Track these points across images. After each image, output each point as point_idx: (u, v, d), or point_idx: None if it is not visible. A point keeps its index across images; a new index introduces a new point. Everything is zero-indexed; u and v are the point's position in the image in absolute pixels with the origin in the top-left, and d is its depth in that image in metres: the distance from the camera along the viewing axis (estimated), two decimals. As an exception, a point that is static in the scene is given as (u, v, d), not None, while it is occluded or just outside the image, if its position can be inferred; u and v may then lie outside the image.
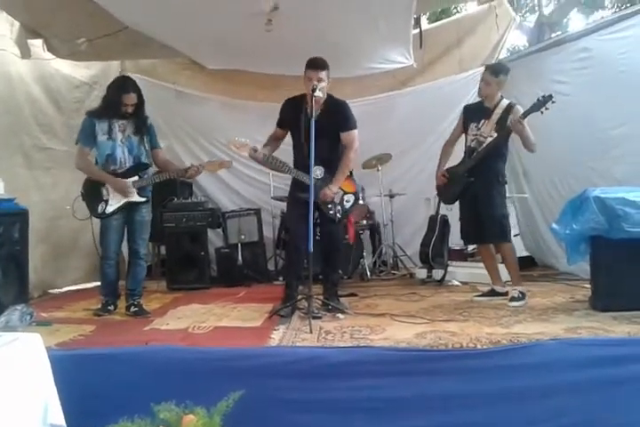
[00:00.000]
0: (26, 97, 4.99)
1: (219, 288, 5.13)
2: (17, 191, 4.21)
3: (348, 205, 3.90)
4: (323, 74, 3.65)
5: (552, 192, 5.18)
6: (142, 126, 3.90)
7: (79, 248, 5.34)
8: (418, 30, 5.42)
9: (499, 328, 3.10)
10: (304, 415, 2.50)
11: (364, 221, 5.75)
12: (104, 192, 3.83)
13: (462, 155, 4.14)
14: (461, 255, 5.54)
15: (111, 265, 3.91)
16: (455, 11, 10.43)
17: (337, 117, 3.76)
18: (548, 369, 2.51)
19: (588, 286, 3.83)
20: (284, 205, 5.01)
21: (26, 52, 4.65)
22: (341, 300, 4.02)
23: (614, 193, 3.40)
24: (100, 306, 3.94)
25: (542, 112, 3.72)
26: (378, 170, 5.66)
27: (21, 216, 4.01)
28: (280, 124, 3.91)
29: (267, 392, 2.49)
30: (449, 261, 5.10)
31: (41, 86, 5.18)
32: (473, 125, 4.04)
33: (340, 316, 3.57)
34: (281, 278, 5.20)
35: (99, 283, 4.15)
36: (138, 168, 3.89)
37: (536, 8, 12.00)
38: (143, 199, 3.89)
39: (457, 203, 4.19)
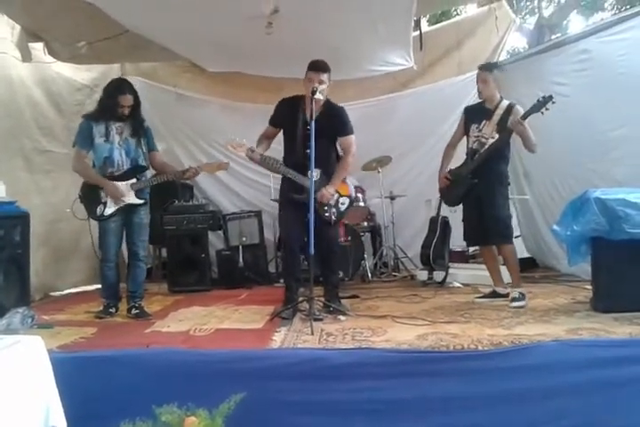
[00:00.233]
0: (27, 100, 5.00)
1: (220, 290, 5.14)
2: (18, 194, 4.22)
3: (343, 208, 3.90)
4: (324, 76, 3.68)
5: (553, 193, 5.18)
6: (139, 128, 3.92)
7: (80, 251, 5.34)
8: (418, 32, 5.43)
9: (500, 330, 3.10)
10: (305, 417, 2.50)
11: (365, 223, 5.76)
12: (102, 194, 3.83)
13: (464, 156, 4.15)
14: (462, 257, 5.55)
15: (111, 267, 3.92)
16: (455, 13, 10.44)
17: (334, 121, 3.78)
18: (550, 370, 2.51)
19: (590, 287, 3.83)
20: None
21: (27, 56, 4.67)
22: (342, 302, 4.03)
23: (615, 194, 3.40)
24: (101, 308, 3.94)
25: (542, 113, 3.72)
26: (378, 172, 5.67)
27: (22, 219, 4.01)
28: (274, 122, 3.90)
29: (268, 394, 2.49)
30: (450, 263, 5.10)
31: (42, 89, 5.19)
32: (474, 127, 4.04)
33: (342, 318, 3.57)
34: (282, 281, 5.20)
35: (99, 285, 4.15)
36: (135, 170, 3.90)
37: (536, 10, 12.02)
38: (141, 201, 3.90)
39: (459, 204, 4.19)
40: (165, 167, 4.06)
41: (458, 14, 10.07)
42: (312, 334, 3.10)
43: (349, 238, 5.31)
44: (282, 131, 3.91)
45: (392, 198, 5.75)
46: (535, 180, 5.55)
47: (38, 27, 4.56)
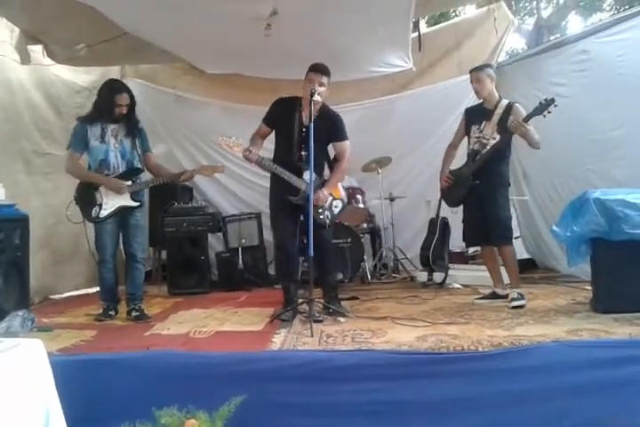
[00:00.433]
0: (26, 103, 5.01)
1: (219, 293, 5.13)
2: (17, 197, 4.21)
3: (336, 211, 3.90)
4: (325, 79, 3.69)
5: (552, 194, 5.18)
6: (134, 129, 3.92)
7: (80, 253, 5.32)
8: (417, 34, 5.44)
9: (500, 331, 3.10)
10: (305, 419, 2.50)
11: (365, 225, 5.75)
12: (97, 196, 3.83)
13: (465, 157, 4.15)
14: (462, 258, 5.55)
15: (109, 269, 3.91)
16: (454, 14, 10.48)
17: (330, 126, 3.78)
18: (550, 371, 2.50)
19: (589, 287, 3.83)
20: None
21: (26, 58, 4.67)
22: (342, 303, 4.02)
23: (614, 195, 3.40)
24: (101, 311, 3.94)
25: (545, 115, 3.72)
26: (378, 173, 5.67)
27: (22, 222, 4.00)
28: (268, 121, 3.86)
29: (268, 396, 2.49)
30: (450, 264, 5.10)
31: (41, 92, 5.19)
32: (475, 128, 4.05)
33: (342, 319, 3.57)
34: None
35: (99, 288, 4.15)
36: (131, 173, 3.90)
37: (534, 11, 12.06)
38: (137, 204, 3.90)
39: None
40: (160, 169, 4.06)
41: (456, 15, 10.11)
42: (312, 335, 3.10)
43: (349, 240, 5.30)
44: (275, 131, 3.89)
45: (391, 200, 5.75)
46: (534, 180, 5.56)
47: (37, 29, 4.56)
